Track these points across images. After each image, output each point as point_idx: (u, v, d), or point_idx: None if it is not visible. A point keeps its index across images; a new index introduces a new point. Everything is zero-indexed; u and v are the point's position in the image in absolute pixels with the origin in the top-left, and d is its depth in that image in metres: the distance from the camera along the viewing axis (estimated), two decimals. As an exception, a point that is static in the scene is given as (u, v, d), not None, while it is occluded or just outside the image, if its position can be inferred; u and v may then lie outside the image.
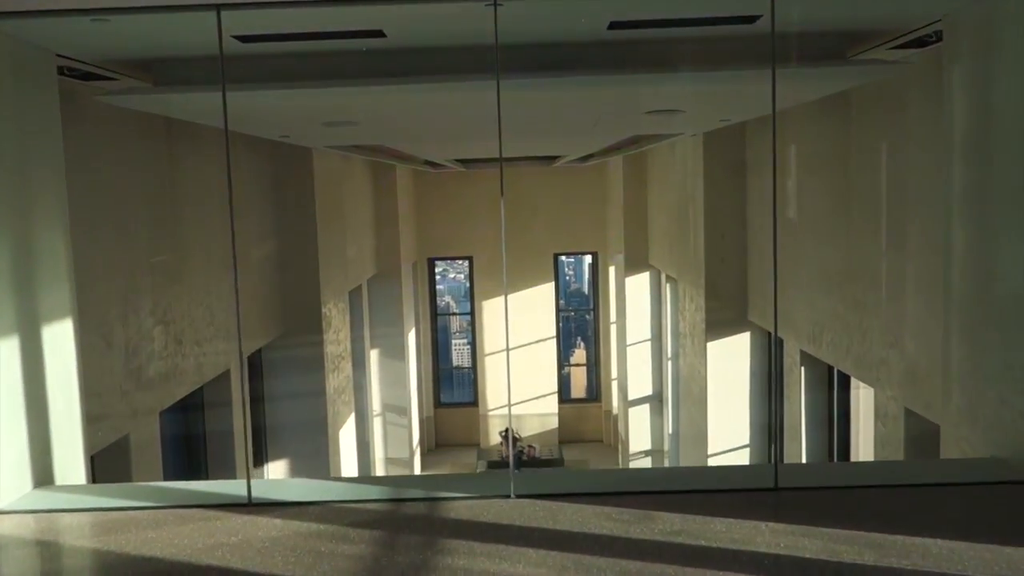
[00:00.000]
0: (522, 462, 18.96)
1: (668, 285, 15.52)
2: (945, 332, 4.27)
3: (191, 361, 7.15)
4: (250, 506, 3.71)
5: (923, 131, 5.67)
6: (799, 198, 8.61)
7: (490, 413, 20.86)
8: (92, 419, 5.51)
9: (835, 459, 8.37)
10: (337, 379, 10.88)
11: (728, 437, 10.50)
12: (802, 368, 8.42)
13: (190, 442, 7.93)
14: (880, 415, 6.40)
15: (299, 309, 10.07)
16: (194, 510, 3.70)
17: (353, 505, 3.74)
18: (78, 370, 4.24)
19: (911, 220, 5.96)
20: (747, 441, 10.50)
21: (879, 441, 6.60)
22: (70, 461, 4.19)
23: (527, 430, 20.55)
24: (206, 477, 8.00)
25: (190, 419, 7.92)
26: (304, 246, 10.03)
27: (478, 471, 18.86)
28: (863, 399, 8.27)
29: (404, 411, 17.54)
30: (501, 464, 18.94)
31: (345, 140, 8.63)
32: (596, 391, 21.84)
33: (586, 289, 27.65)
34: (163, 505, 3.73)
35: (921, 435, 6.03)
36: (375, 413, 16.91)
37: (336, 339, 10.89)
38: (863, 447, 8.34)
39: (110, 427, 5.71)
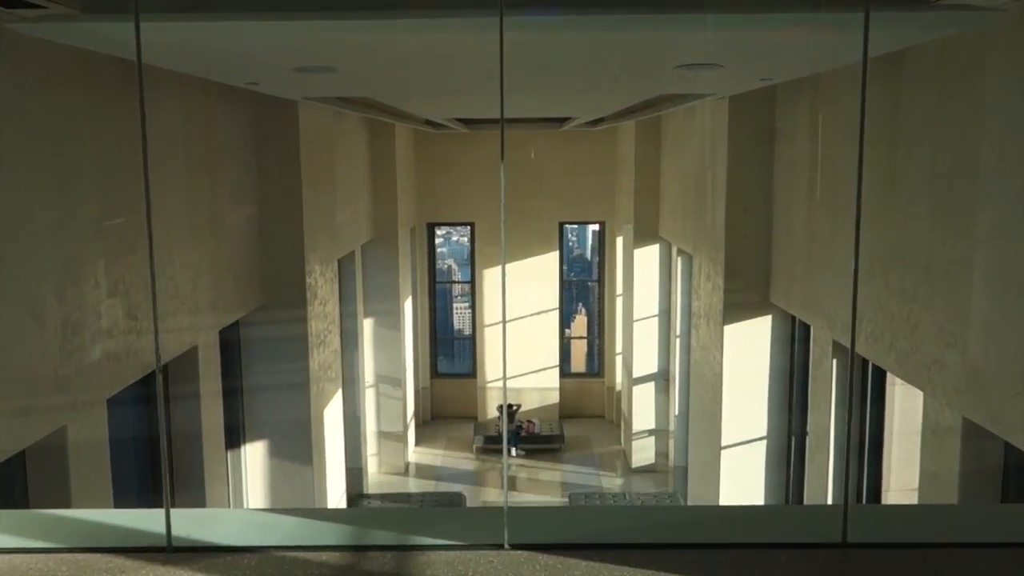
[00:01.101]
0: (520, 438, 18.25)
1: (680, 259, 14.66)
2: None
3: (149, 339, 6.31)
4: (170, 551, 2.89)
5: (1007, 97, 4.78)
6: (837, 172, 7.73)
7: (489, 385, 20.10)
8: (15, 412, 4.69)
9: (864, 466, 7.56)
10: (323, 354, 10.07)
11: (744, 428, 9.69)
12: (834, 361, 7.57)
13: (150, 437, 7.14)
14: (930, 425, 5.57)
15: (281, 278, 9.22)
16: (96, 556, 2.87)
17: (304, 554, 2.91)
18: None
19: (983, 202, 5.08)
20: (764, 432, 9.69)
21: (927, 453, 5.77)
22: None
23: (527, 404, 19.81)
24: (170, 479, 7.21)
25: (150, 410, 7.11)
26: (287, 209, 9.16)
27: (475, 446, 18.14)
28: (901, 397, 7.44)
29: (398, 383, 16.77)
30: (499, 439, 18.21)
31: (324, 91, 7.74)
32: (599, 366, 21.05)
33: (589, 255, 26.81)
34: (51, 548, 2.90)
35: (982, 451, 5.20)
36: (367, 385, 16.14)
37: (323, 311, 10.06)
38: (899, 453, 7.53)
39: (39, 420, 4.88)
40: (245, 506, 9.37)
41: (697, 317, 10.99)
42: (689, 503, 11.80)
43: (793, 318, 9.45)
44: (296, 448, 9.57)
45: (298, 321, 9.31)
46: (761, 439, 9.69)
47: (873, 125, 6.88)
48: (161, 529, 2.94)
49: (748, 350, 9.57)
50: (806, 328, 9.39)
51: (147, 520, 3.13)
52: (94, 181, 5.69)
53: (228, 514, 3.35)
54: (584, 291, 23.00)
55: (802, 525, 3.07)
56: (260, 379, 9.33)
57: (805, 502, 9.39)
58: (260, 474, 9.48)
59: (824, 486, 7.80)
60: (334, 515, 3.31)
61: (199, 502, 7.44)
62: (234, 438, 9.31)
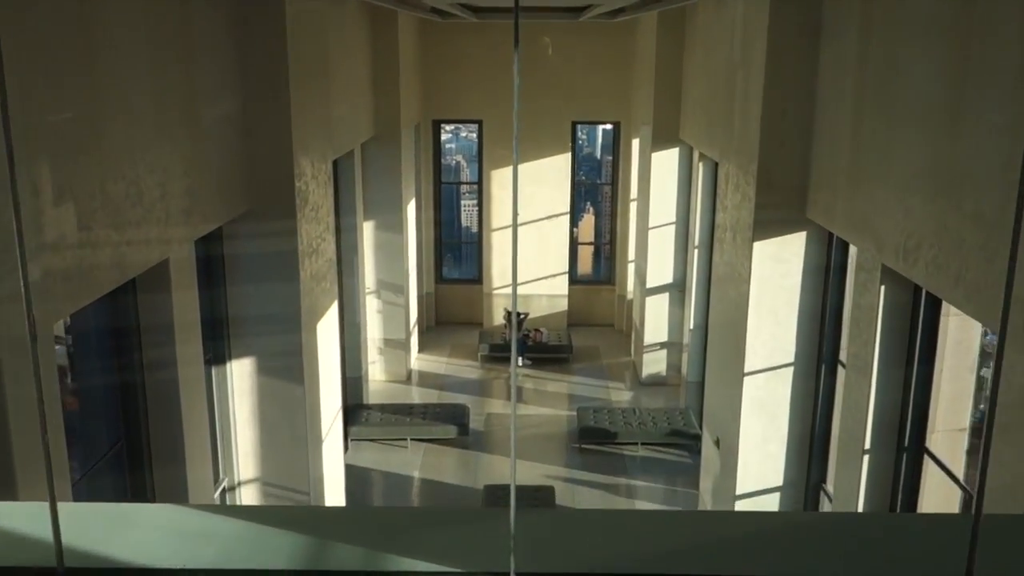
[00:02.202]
0: (527, 347, 17.62)
1: (702, 165, 13.71)
2: None
3: (106, 253, 5.51)
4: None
5: None
6: (895, 73, 6.76)
7: (495, 291, 19.38)
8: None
9: (910, 405, 6.81)
10: (316, 263, 9.27)
11: (769, 351, 8.94)
12: (882, 288, 6.75)
13: (113, 371, 6.40)
14: (1008, 376, 4.77)
15: (267, 181, 8.35)
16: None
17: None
18: None
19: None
20: (791, 359, 8.95)
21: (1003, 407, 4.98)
22: None
23: (534, 311, 19.15)
24: (144, 415, 6.51)
25: (116, 339, 6.37)
26: (273, 104, 8.22)
27: (480, 355, 17.53)
28: (954, 334, 6.65)
29: (400, 289, 16.03)
30: (505, 348, 17.58)
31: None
32: (609, 273, 20.28)
33: (598, 154, 25.72)
34: None
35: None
36: (368, 291, 15.41)
37: (315, 216, 9.21)
38: (949, 390, 6.77)
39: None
40: (234, 444, 8.75)
41: (722, 230, 10.12)
42: (704, 426, 11.15)
43: (830, 236, 8.59)
44: (286, 366, 8.87)
45: (287, 230, 8.48)
46: (787, 365, 8.95)
47: (941, 15, 5.89)
48: (48, 538, 2.16)
49: (778, 269, 8.74)
50: (843, 248, 8.55)
51: (29, 522, 2.32)
52: (35, 70, 4.79)
53: (145, 514, 2.49)
54: (594, 192, 22.03)
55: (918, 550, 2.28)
56: (245, 293, 8.56)
57: (835, 435, 8.71)
58: (248, 396, 8.81)
59: (862, 420, 7.07)
60: (290, 519, 2.41)
61: (176, 450, 6.75)
62: (219, 356, 8.61)
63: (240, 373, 8.82)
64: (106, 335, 6.46)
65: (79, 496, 5.82)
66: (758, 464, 9.14)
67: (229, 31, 7.85)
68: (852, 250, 8.56)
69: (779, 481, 9.15)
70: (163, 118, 6.39)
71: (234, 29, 7.94)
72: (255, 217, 8.39)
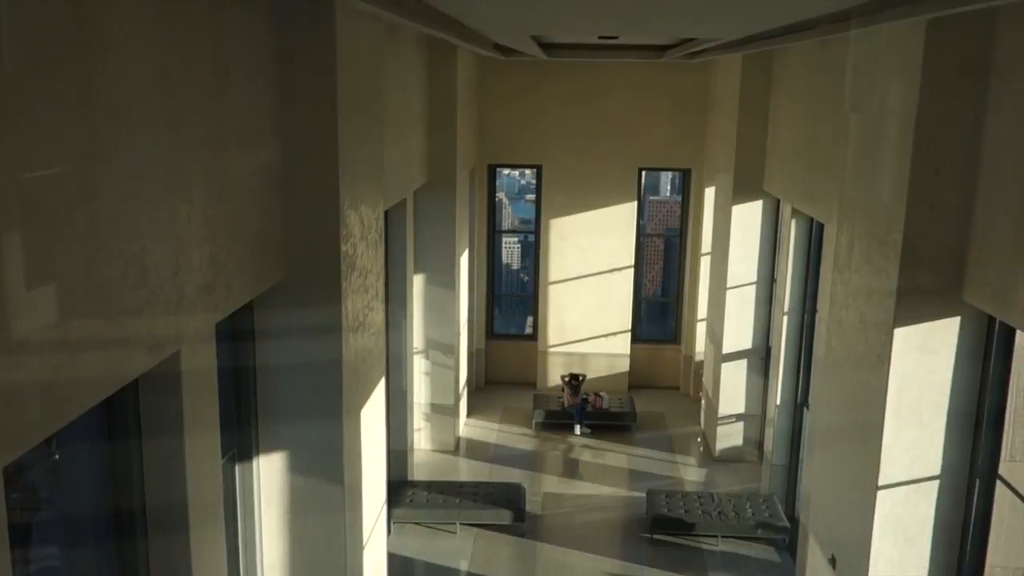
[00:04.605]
0: (586, 413, 16.08)
1: (795, 222, 12.15)
2: None
3: (94, 356, 4.09)
4: None
5: None
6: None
7: (550, 349, 17.88)
8: None
9: None
10: (361, 338, 7.84)
11: (910, 464, 7.32)
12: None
13: (103, 486, 4.96)
14: None
15: (308, 244, 6.95)
16: None
17: None
18: None
19: None
20: (938, 471, 7.32)
21: None
22: None
23: (592, 372, 17.62)
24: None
25: (110, 449, 4.93)
26: (318, 152, 6.84)
27: (535, 421, 16.02)
28: None
29: (451, 349, 14.58)
30: (562, 415, 16.05)
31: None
32: (675, 331, 18.68)
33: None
34: None
35: None
36: (416, 351, 13.97)
37: (363, 283, 7.80)
38: None
39: None
40: (259, 559, 7.29)
41: (840, 306, 8.55)
42: (811, 533, 9.48)
43: (991, 322, 7.00)
44: (324, 462, 7.42)
45: (329, 301, 7.06)
46: (933, 478, 7.32)
47: None
48: None
49: (925, 361, 7.14)
50: (1008, 336, 6.95)
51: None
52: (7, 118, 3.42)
53: None
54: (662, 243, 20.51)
55: None
56: (278, 375, 7.14)
57: (989, 569, 7.07)
58: (277, 499, 7.36)
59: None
60: None
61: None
62: (244, 450, 7.17)
63: (268, 471, 7.37)
64: (97, 446, 5.03)
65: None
66: (891, 596, 7.50)
67: (269, 65, 6.50)
68: (1020, 337, 6.95)
69: (917, 620, 7.50)
70: (180, 171, 5.00)
71: (275, 63, 6.59)
72: (292, 286, 6.98)
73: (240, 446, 7.15)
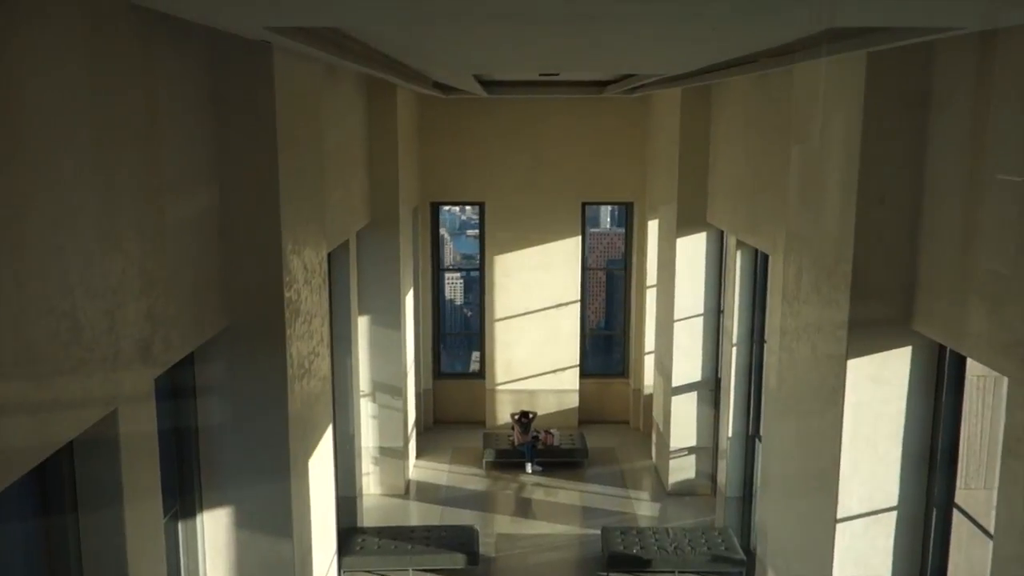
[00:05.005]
0: (537, 451, 15.89)
1: (740, 253, 12.20)
2: None
3: (19, 423, 3.83)
4: None
5: None
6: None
7: (499, 387, 17.69)
8: None
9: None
10: (307, 386, 7.60)
11: (868, 495, 7.28)
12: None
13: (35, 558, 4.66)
14: None
15: (250, 291, 6.72)
16: None
17: None
18: None
19: None
20: (895, 502, 7.30)
21: None
22: None
23: (542, 408, 17.48)
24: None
25: (42, 519, 4.63)
26: (258, 195, 6.64)
27: (485, 461, 15.78)
28: None
29: (398, 391, 14.32)
30: (513, 454, 15.85)
31: (297, 17, 5.18)
32: (623, 365, 18.64)
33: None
34: None
35: None
36: (362, 394, 13.69)
37: (307, 329, 7.58)
38: None
39: None
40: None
41: (790, 337, 8.54)
42: (769, 568, 9.40)
43: (941, 351, 7.02)
44: (271, 517, 7.14)
45: (273, 350, 6.83)
46: (890, 509, 7.29)
47: None
48: None
49: (878, 392, 7.14)
50: (958, 365, 6.98)
51: None
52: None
53: None
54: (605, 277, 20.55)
55: None
56: (221, 430, 6.86)
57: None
58: (223, 557, 7.04)
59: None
60: None
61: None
62: (187, 509, 6.86)
63: (214, 528, 7.07)
64: (29, 518, 4.73)
65: None
66: (854, 631, 7.43)
67: (205, 109, 6.30)
68: (971, 366, 6.99)
69: (881, 653, 7.43)
70: (112, 221, 4.76)
71: (211, 106, 6.39)
72: (235, 335, 6.74)
73: (183, 502, 6.85)
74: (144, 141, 5.20)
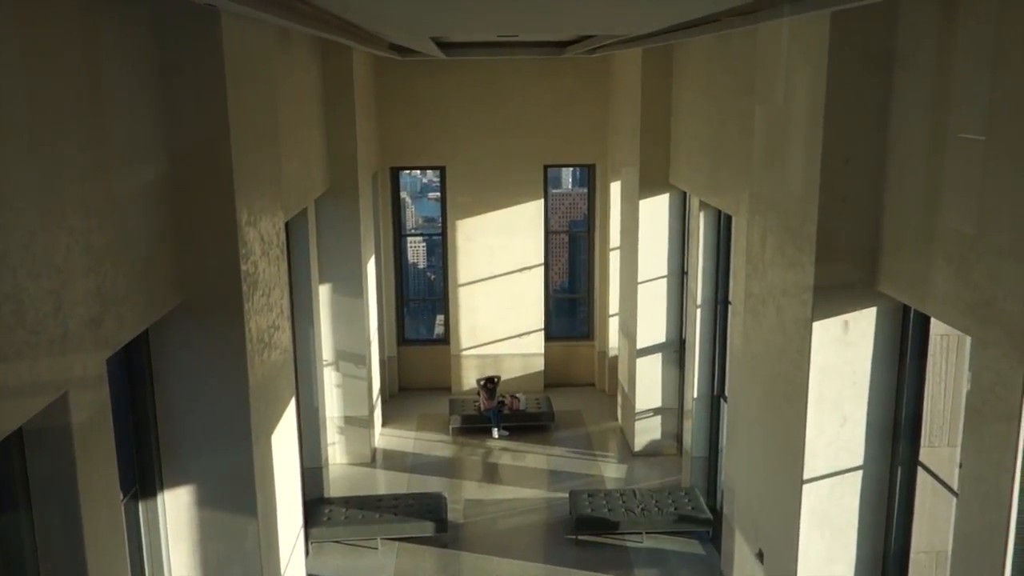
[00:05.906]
0: (503, 415, 15.86)
1: (703, 215, 12.15)
2: None
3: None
4: None
5: None
6: (991, 107, 5.29)
7: (464, 353, 17.60)
8: None
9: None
10: (268, 359, 7.44)
11: (833, 456, 7.31)
12: (1026, 396, 5.14)
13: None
14: None
15: (205, 266, 6.53)
16: None
17: None
18: None
19: None
20: (860, 462, 7.33)
21: None
22: None
23: (507, 373, 17.41)
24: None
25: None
26: (210, 165, 6.43)
27: (452, 427, 15.73)
28: None
29: (362, 359, 14.17)
30: (479, 419, 15.81)
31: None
32: (587, 327, 18.62)
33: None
34: None
35: None
36: (326, 363, 13.54)
37: (266, 301, 7.41)
38: None
39: None
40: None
41: (757, 300, 8.52)
42: (737, 528, 9.46)
43: (905, 311, 7.03)
44: (234, 493, 7.01)
45: (231, 325, 6.66)
46: (856, 469, 7.33)
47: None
48: None
49: (844, 354, 7.14)
50: (923, 325, 6.99)
51: None
52: None
53: None
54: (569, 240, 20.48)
55: None
56: (180, 407, 6.70)
57: (915, 555, 7.12)
58: (186, 535, 6.91)
59: (1001, 544, 5.42)
60: None
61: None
62: (147, 487, 6.71)
63: (175, 506, 6.93)
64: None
65: None
66: (820, 588, 7.49)
67: (151, 78, 6.06)
68: (936, 327, 7.00)
69: (847, 611, 7.50)
70: (55, 197, 4.56)
71: (158, 75, 6.14)
72: (191, 311, 6.56)
73: (143, 483, 6.69)
74: (87, 112, 4.97)
